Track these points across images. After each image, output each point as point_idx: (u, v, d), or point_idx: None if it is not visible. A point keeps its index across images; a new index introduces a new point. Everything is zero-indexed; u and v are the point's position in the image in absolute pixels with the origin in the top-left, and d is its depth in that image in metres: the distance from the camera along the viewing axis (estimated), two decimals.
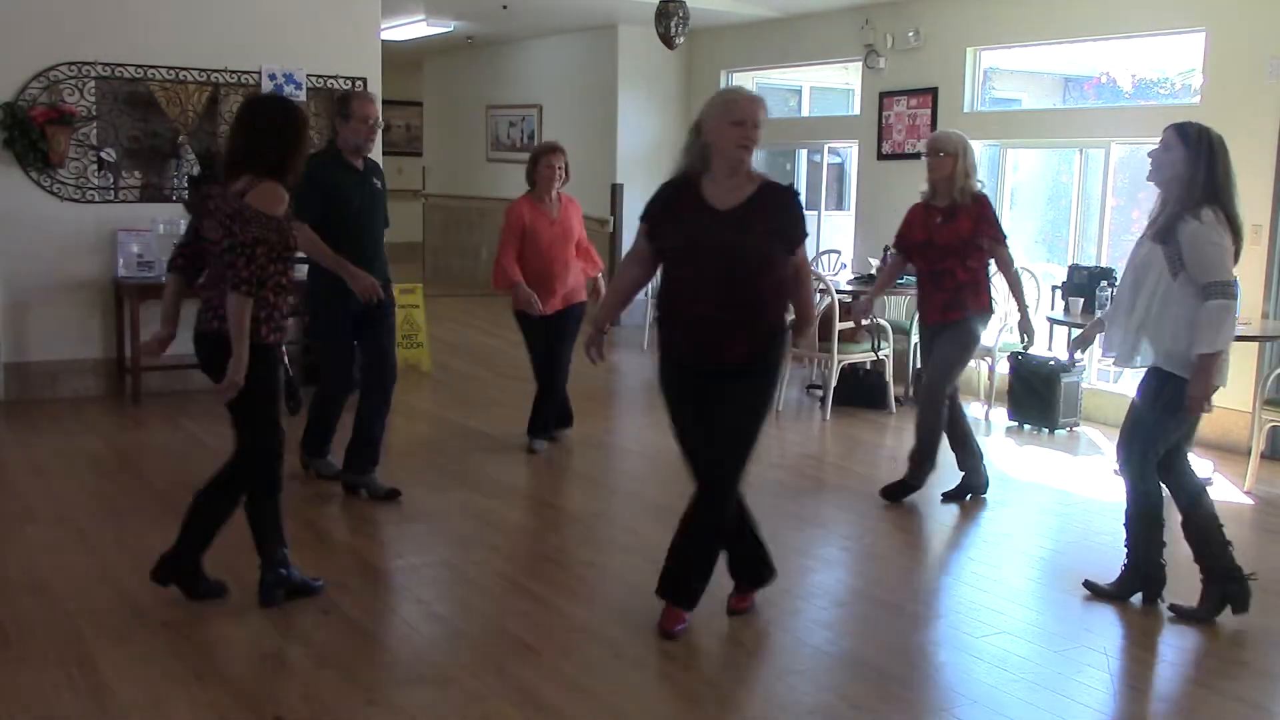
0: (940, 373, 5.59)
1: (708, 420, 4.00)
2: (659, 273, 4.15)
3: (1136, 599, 4.45)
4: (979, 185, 5.57)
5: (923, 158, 5.62)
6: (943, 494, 5.80)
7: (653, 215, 4.10)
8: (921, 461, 5.69)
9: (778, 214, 3.97)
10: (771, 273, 3.96)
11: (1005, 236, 5.56)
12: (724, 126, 3.92)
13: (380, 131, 5.59)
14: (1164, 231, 4.09)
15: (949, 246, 5.46)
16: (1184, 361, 4.08)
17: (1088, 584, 4.55)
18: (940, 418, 5.64)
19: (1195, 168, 4.04)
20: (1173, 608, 4.36)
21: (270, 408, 4.24)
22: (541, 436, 6.64)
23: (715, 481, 4.01)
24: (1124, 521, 4.47)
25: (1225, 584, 4.31)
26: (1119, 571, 4.48)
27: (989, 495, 5.84)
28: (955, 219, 5.46)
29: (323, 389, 5.78)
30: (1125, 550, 4.47)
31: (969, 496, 5.80)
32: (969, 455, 5.79)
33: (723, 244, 3.90)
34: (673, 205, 4.04)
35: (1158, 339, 4.13)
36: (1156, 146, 4.16)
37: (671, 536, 4.09)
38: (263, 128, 4.08)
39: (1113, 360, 4.46)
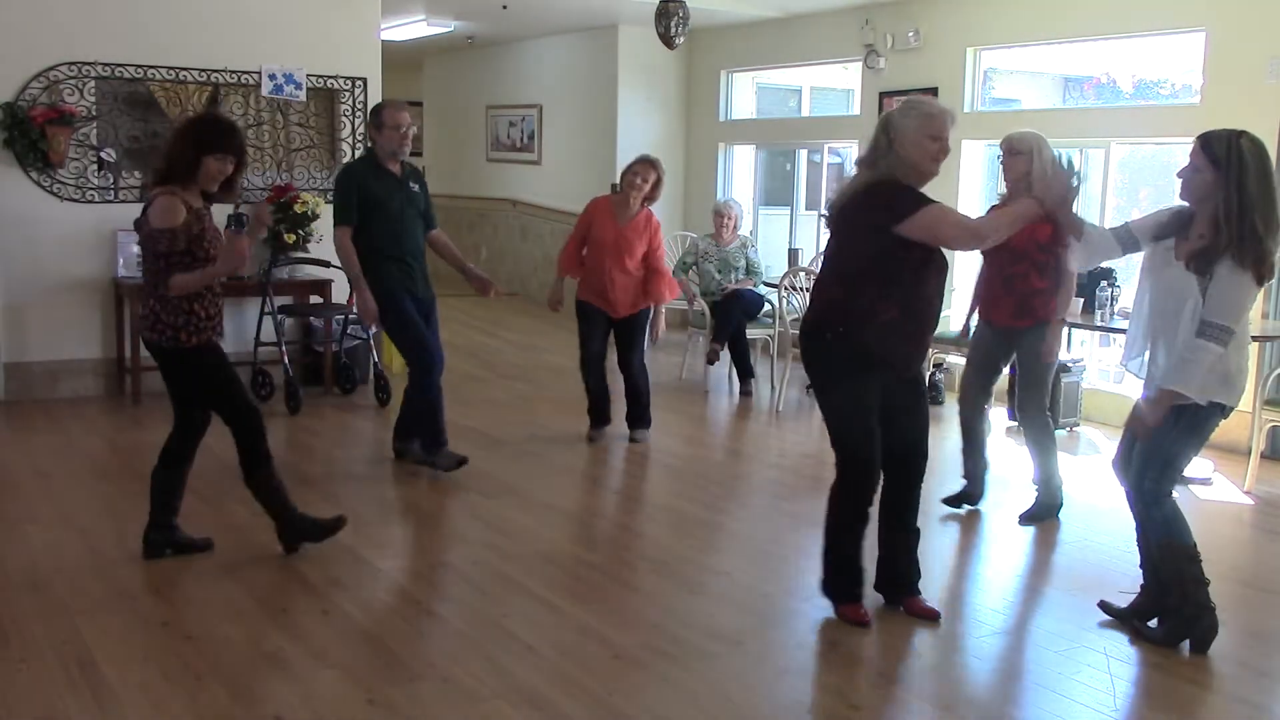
0: (1038, 391, 5.47)
1: (900, 415, 4.15)
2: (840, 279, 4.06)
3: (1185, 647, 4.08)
4: None
5: (998, 159, 5.48)
6: (943, 499, 5.77)
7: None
8: (1047, 481, 5.54)
9: None
10: None
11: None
12: (924, 141, 3.90)
13: (411, 136, 5.90)
14: (1203, 264, 3.85)
15: (1022, 250, 5.26)
16: (1214, 384, 3.90)
17: (1134, 626, 4.21)
18: (1051, 434, 5.55)
19: (1229, 191, 3.78)
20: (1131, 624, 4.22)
21: (228, 391, 4.55)
22: (599, 425, 6.86)
23: (922, 469, 4.30)
24: (1140, 562, 4.25)
25: (1163, 597, 4.15)
26: (1169, 617, 4.12)
27: (986, 499, 5.82)
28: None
29: (414, 377, 5.97)
30: (1169, 595, 4.10)
31: (965, 507, 5.70)
32: (976, 463, 5.70)
33: (941, 255, 4.05)
34: None
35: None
36: (1186, 165, 3.92)
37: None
38: (173, 140, 4.47)
39: (1138, 376, 4.20)
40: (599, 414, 6.87)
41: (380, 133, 5.81)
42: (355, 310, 5.96)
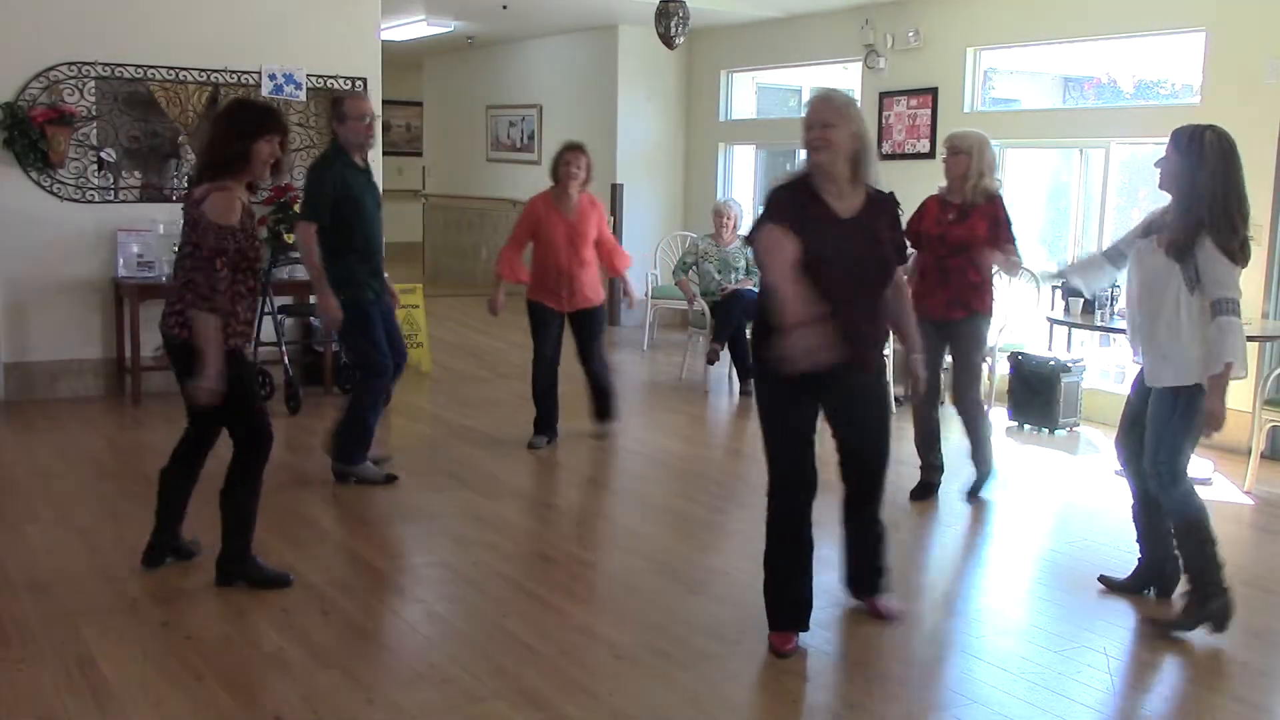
0: (974, 378, 5.72)
1: (847, 422, 3.98)
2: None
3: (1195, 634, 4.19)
4: (998, 184, 5.58)
5: (941, 155, 5.68)
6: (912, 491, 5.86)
7: (787, 218, 3.75)
8: (986, 460, 5.83)
9: (893, 225, 3.93)
10: (891, 283, 3.96)
11: (1015, 238, 5.56)
12: (802, 134, 3.85)
13: (378, 128, 5.62)
14: (1180, 250, 4.04)
15: (961, 245, 5.44)
16: (1199, 368, 4.07)
17: (1153, 621, 4.30)
18: (985, 415, 5.80)
19: (1193, 177, 4.02)
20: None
21: (246, 406, 4.32)
22: (543, 434, 6.66)
23: (878, 475, 4.09)
24: (1137, 537, 4.52)
25: (1162, 567, 4.44)
26: (1186, 599, 4.25)
27: (987, 495, 5.85)
28: (969, 218, 5.47)
29: (363, 384, 5.76)
30: (1186, 577, 4.29)
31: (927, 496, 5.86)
32: (936, 454, 5.85)
33: (862, 256, 3.82)
34: (804, 210, 3.80)
35: (1181, 354, 4.10)
36: (1163, 155, 4.15)
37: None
38: (216, 132, 4.26)
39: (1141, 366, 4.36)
40: (545, 421, 6.65)
41: (344, 124, 5.54)
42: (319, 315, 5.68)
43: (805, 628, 4.01)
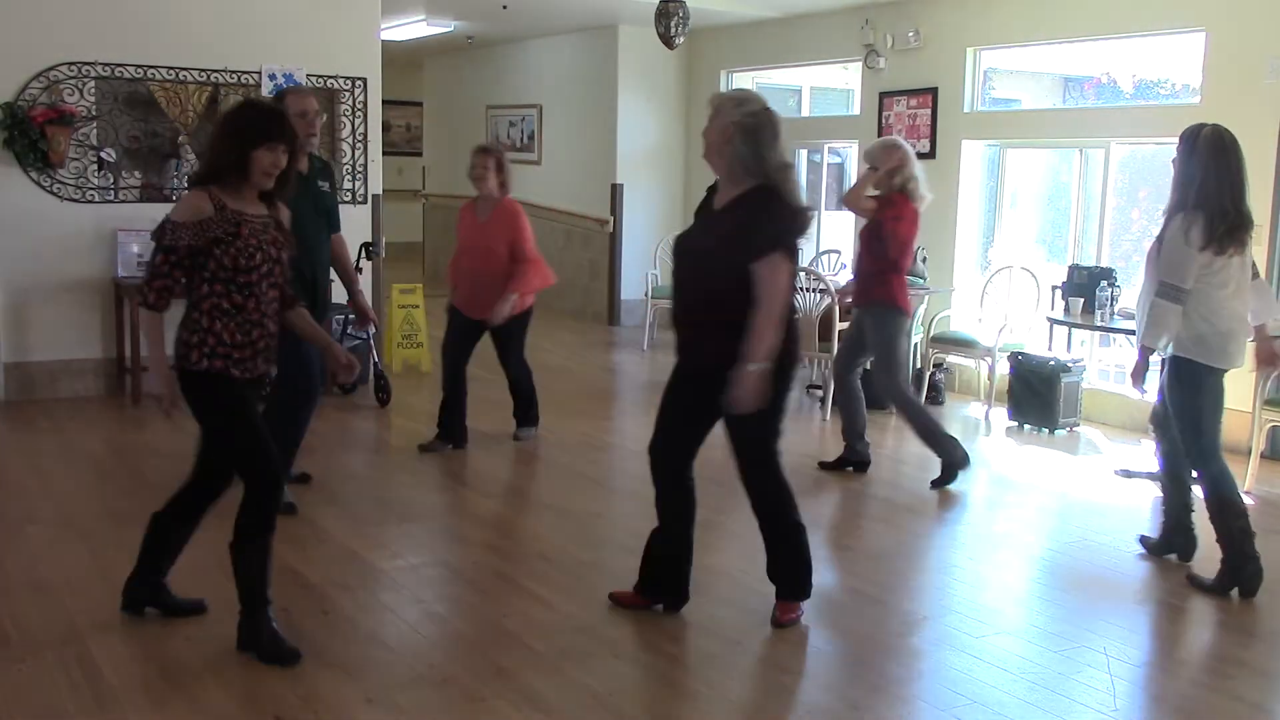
0: (882, 370, 6.00)
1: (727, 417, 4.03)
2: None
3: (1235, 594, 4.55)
4: (912, 182, 5.88)
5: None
6: (820, 462, 6.28)
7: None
8: (940, 444, 5.95)
9: (743, 218, 3.81)
10: (734, 278, 3.80)
11: (888, 234, 5.82)
12: None
13: (319, 125, 5.35)
14: (1162, 231, 4.49)
15: (862, 237, 6.08)
16: (1188, 343, 4.42)
17: (1189, 575, 4.68)
18: (915, 401, 6.10)
19: (1182, 167, 4.39)
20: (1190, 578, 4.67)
21: (239, 435, 3.81)
22: (442, 436, 6.55)
23: (746, 471, 4.18)
24: (1161, 501, 4.91)
25: (1173, 536, 4.80)
26: (1220, 566, 4.57)
27: (990, 494, 5.86)
28: (880, 214, 5.95)
29: (292, 395, 5.23)
30: (1220, 547, 4.57)
31: (850, 468, 6.21)
32: (848, 429, 6.18)
33: (691, 247, 4.01)
34: (703, 203, 4.14)
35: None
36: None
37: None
38: (215, 135, 3.89)
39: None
40: (442, 423, 6.53)
41: None
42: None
43: (650, 595, 4.22)
